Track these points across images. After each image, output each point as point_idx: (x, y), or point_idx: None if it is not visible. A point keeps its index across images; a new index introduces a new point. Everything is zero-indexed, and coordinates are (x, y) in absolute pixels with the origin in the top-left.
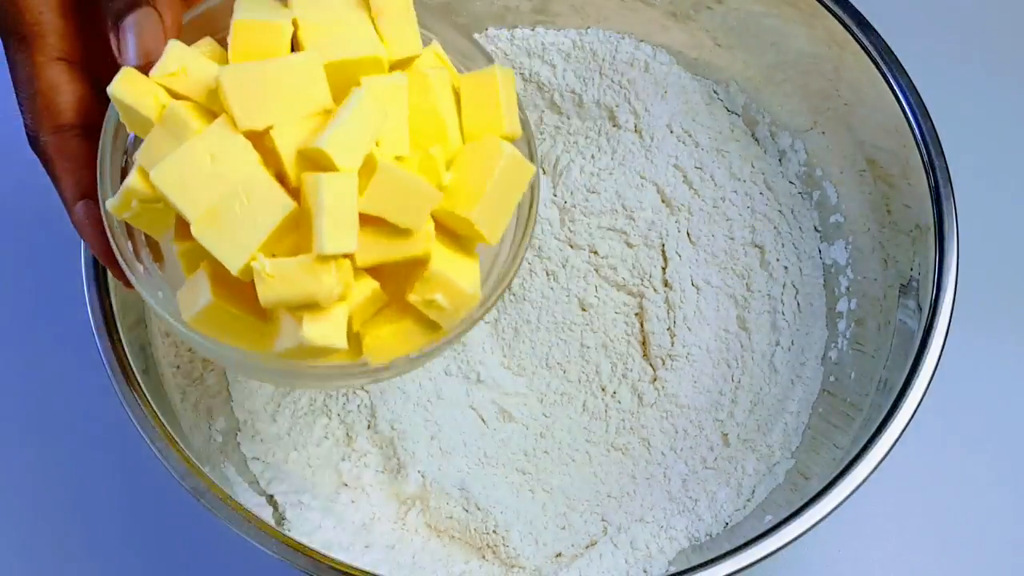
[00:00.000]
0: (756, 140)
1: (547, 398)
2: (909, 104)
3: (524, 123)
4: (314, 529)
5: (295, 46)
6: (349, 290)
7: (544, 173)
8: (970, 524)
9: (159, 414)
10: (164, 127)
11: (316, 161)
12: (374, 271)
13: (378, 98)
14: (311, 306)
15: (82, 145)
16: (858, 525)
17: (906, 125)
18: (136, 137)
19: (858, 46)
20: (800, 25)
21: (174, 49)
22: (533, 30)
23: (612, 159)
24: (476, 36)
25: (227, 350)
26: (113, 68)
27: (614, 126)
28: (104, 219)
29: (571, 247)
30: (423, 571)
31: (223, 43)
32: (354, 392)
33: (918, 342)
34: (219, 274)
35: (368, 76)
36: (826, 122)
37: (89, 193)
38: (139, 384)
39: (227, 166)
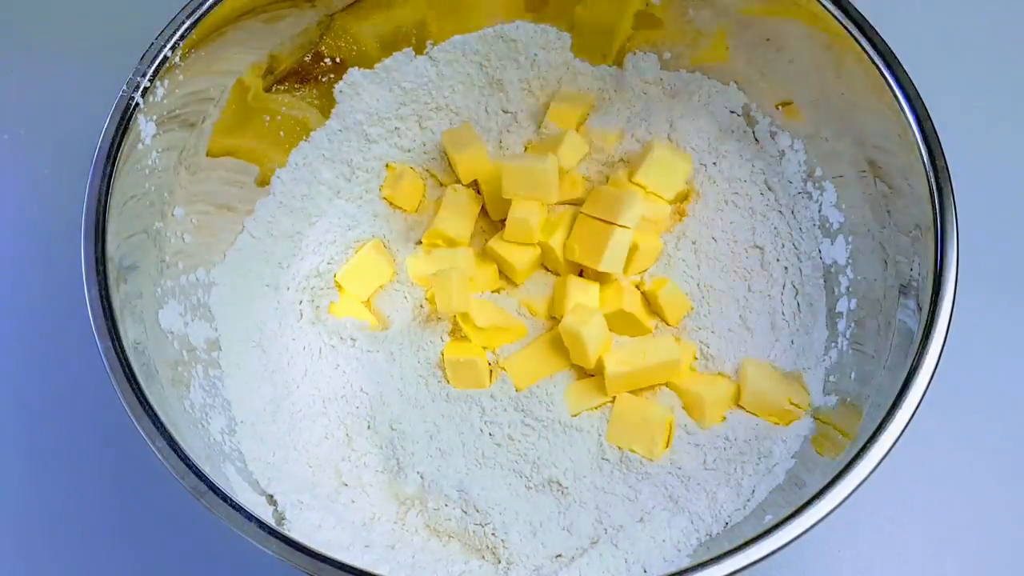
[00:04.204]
0: (756, 140)
1: (547, 398)
2: (909, 104)
3: None
4: (314, 529)
5: None
6: None
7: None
8: (970, 524)
9: (159, 414)
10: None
11: None
12: None
13: None
14: None
15: None
16: (858, 525)
17: (906, 125)
18: None
19: (858, 46)
20: (800, 25)
21: None
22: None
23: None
24: (478, 33)
25: None
26: None
27: None
28: None
29: None
30: (423, 571)
31: None
32: (354, 393)
33: (918, 342)
34: None
35: None
36: (826, 122)
37: None
38: (139, 384)
39: None
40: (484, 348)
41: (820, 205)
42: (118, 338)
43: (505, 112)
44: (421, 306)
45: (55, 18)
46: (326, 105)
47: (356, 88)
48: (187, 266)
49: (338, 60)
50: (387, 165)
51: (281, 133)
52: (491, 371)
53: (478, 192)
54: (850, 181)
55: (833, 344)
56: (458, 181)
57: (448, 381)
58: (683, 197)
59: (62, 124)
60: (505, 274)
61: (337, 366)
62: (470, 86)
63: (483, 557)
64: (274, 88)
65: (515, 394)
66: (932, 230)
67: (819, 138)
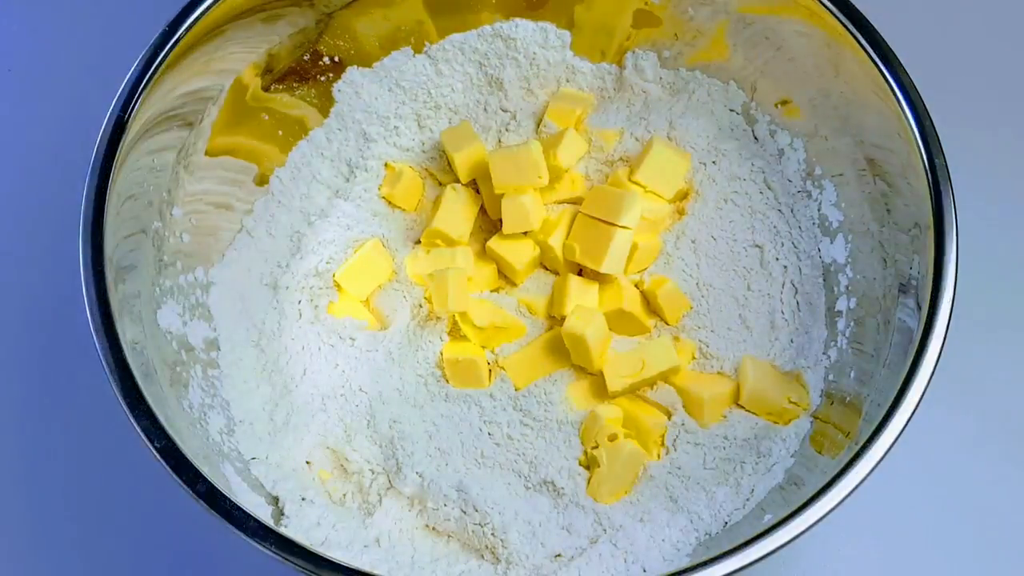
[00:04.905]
0: (756, 139)
1: (545, 397)
2: (909, 103)
3: None
4: (313, 529)
5: None
6: None
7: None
8: (969, 523)
9: (157, 414)
10: None
11: None
12: None
13: None
14: None
15: None
16: (857, 524)
17: (906, 124)
18: None
19: (857, 44)
20: (800, 24)
21: None
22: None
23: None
24: (476, 31)
25: None
26: None
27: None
28: None
29: None
30: (422, 571)
31: None
32: (352, 392)
33: (917, 341)
34: None
35: None
36: (826, 121)
37: None
38: (137, 384)
39: None
40: (483, 348)
41: (819, 204)
42: (116, 338)
43: (504, 111)
44: (420, 306)
45: (54, 18)
46: (325, 104)
47: (355, 87)
48: (185, 266)
49: (337, 59)
50: (386, 164)
51: (280, 132)
52: (490, 371)
53: (477, 191)
54: (849, 180)
55: (832, 343)
56: (457, 180)
57: (447, 381)
58: (682, 196)
59: (61, 124)
60: (504, 274)
61: (336, 365)
62: (469, 85)
63: (482, 557)
64: (273, 87)
65: (514, 393)
66: (931, 228)
67: (818, 137)
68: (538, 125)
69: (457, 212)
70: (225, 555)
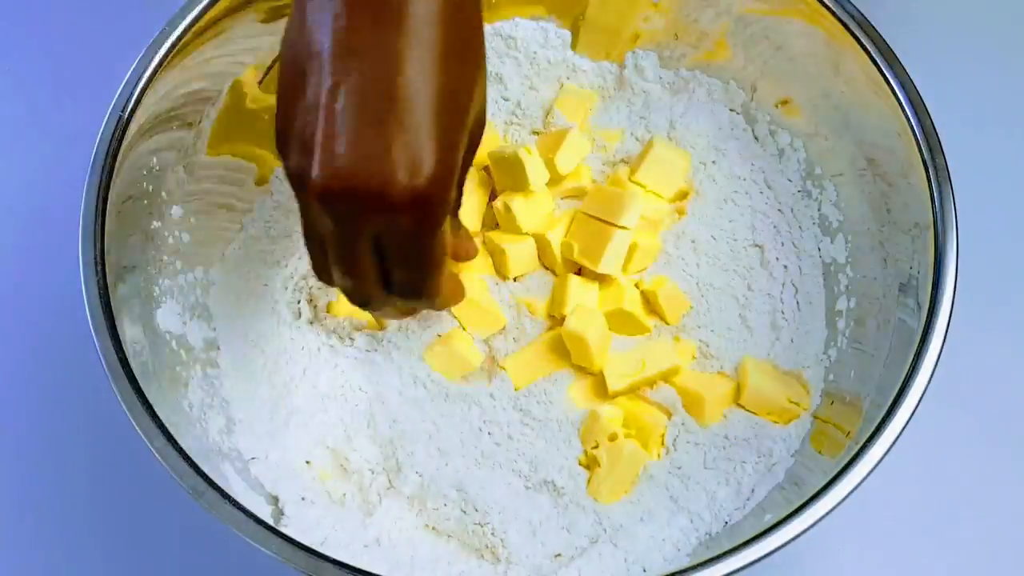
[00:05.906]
0: (756, 138)
1: (545, 397)
2: (909, 103)
3: None
4: (313, 528)
5: None
6: None
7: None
8: (970, 522)
9: (157, 414)
10: None
11: None
12: None
13: None
14: None
15: None
16: (858, 524)
17: (906, 124)
18: None
19: (858, 45)
20: (800, 24)
21: None
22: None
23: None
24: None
25: None
26: None
27: None
28: None
29: None
30: (422, 571)
31: None
32: (352, 392)
33: (918, 341)
34: None
35: None
36: (826, 121)
37: None
38: (137, 384)
39: None
40: (464, 329)
41: (820, 203)
42: (116, 338)
43: (505, 99)
44: None
45: (54, 18)
46: None
47: None
48: (185, 265)
49: None
50: None
51: None
52: (488, 370)
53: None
54: (850, 179)
55: (833, 343)
56: None
57: (443, 374)
58: (682, 195)
59: (61, 124)
60: (498, 266)
61: (335, 365)
62: None
63: (482, 556)
64: (272, 87)
65: (514, 393)
66: (931, 228)
67: (818, 136)
68: (546, 116)
69: (466, 201)
70: (225, 555)
